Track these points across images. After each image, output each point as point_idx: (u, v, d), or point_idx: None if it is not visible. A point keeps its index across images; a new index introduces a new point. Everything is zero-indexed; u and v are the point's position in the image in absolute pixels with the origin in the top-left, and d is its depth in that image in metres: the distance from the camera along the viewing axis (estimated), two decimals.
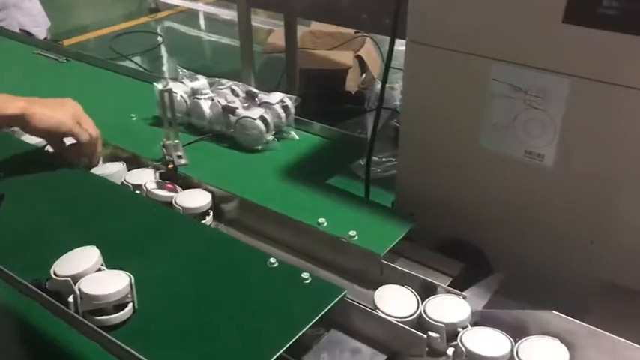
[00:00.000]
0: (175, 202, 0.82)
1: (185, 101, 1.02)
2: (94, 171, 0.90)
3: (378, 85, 2.17)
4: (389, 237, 0.76)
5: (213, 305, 0.65)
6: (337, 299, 0.65)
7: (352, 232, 0.76)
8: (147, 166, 0.92)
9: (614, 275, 0.74)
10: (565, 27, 0.68)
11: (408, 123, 0.88)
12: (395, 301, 0.68)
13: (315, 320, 0.62)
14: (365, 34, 2.87)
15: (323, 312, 0.63)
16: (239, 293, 0.67)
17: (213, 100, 1.00)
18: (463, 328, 0.65)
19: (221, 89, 1.04)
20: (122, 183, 0.88)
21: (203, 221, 0.83)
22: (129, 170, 0.91)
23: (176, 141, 0.91)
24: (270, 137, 0.96)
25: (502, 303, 0.70)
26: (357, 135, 1.01)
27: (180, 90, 1.03)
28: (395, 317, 0.66)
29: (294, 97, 1.00)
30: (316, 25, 2.93)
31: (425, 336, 0.64)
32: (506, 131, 0.76)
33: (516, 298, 0.70)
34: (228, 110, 0.97)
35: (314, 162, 0.95)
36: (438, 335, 0.65)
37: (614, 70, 0.67)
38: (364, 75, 2.85)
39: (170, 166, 0.88)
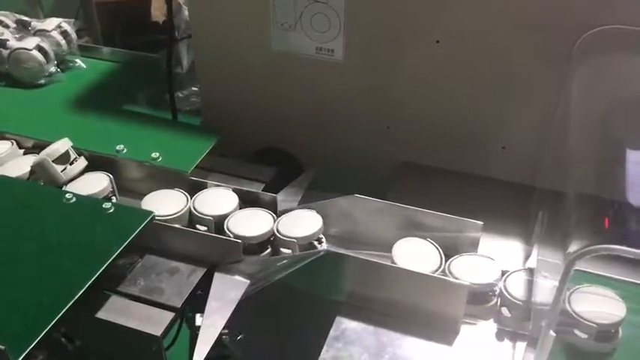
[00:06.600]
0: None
1: None
2: None
3: (186, 12, 2.06)
4: (195, 153, 0.74)
5: (3, 255, 0.59)
6: (144, 223, 0.62)
7: (155, 154, 0.72)
8: None
9: (410, 155, 0.80)
10: None
11: (201, 39, 0.84)
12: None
13: (122, 248, 0.59)
14: None
15: (130, 239, 0.60)
16: (34, 237, 0.61)
17: None
18: None
19: None
20: None
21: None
22: None
23: None
24: (52, 69, 0.87)
25: (314, 196, 0.72)
26: (151, 55, 0.95)
27: None
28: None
29: (72, 20, 0.90)
30: None
31: (240, 241, 0.63)
32: (294, 30, 0.76)
33: (328, 190, 0.72)
34: None
35: (107, 89, 0.88)
36: None
37: None
38: None
39: None
